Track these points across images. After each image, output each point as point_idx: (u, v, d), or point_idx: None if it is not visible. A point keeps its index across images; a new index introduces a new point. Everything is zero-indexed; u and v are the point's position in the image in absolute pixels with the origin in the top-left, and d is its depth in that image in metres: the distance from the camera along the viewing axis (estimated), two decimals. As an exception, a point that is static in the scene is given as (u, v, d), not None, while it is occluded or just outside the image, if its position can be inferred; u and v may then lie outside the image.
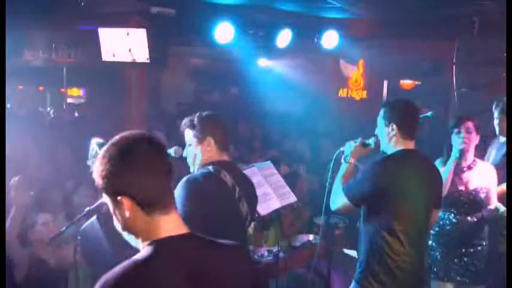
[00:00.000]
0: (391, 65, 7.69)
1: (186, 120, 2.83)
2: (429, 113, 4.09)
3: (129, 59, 5.67)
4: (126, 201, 1.49)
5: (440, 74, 7.32)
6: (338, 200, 3.10)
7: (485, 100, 4.43)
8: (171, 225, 1.54)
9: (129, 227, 1.55)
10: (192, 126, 2.79)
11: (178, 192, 2.56)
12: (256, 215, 3.22)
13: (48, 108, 10.37)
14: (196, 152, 2.78)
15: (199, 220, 2.43)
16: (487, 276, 3.73)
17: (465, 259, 3.70)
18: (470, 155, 3.80)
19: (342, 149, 3.34)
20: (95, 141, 2.53)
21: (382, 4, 5.95)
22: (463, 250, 3.71)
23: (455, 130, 3.78)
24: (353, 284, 3.10)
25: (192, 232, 1.60)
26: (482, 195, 3.72)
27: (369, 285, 3.00)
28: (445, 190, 3.63)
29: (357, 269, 3.10)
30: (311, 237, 4.97)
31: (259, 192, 3.00)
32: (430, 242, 3.87)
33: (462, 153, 3.74)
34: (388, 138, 3.06)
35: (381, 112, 3.12)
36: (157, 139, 1.58)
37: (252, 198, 2.84)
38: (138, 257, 1.49)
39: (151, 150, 1.52)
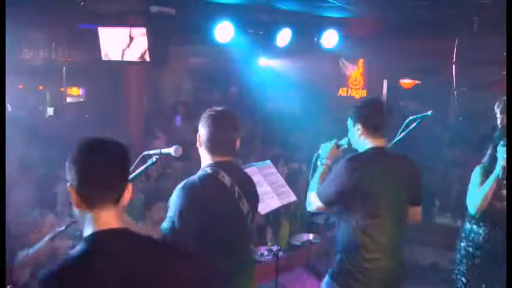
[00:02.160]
0: (390, 64, 7.69)
1: (204, 113, 2.75)
2: (429, 112, 4.09)
3: (129, 58, 5.66)
4: (71, 190, 1.69)
5: (440, 73, 7.32)
6: (312, 201, 3.16)
7: (484, 99, 4.43)
8: (106, 220, 1.68)
9: (78, 215, 1.73)
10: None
11: (175, 199, 2.54)
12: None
13: (48, 109, 10.37)
14: (200, 153, 2.77)
15: (198, 226, 2.48)
16: None
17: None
18: None
19: (319, 151, 3.39)
20: None
21: (382, 3, 5.95)
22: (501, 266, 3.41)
23: (502, 142, 3.52)
24: (327, 279, 3.11)
25: (126, 227, 1.72)
26: None
27: (344, 282, 3.02)
28: (484, 204, 3.53)
29: (334, 266, 3.12)
30: (311, 236, 4.98)
31: (259, 191, 2.99)
32: (461, 254, 3.71)
33: (504, 170, 3.47)
34: (357, 137, 3.12)
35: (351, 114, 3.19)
36: (117, 146, 1.74)
37: (252, 196, 2.81)
38: (73, 252, 1.63)
39: (101, 153, 1.69)
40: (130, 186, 1.77)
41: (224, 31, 5.71)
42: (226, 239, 2.58)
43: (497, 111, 4.12)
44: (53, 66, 8.44)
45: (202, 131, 2.70)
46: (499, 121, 4.13)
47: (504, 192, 3.54)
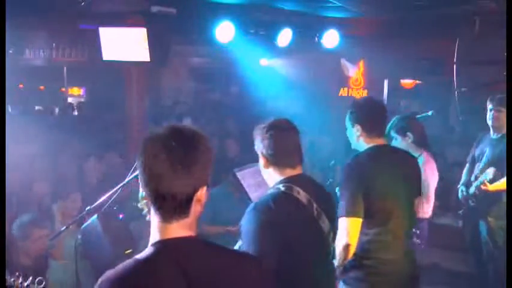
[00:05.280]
0: (391, 64, 7.69)
1: (256, 130, 2.54)
2: (429, 112, 4.10)
3: (129, 59, 5.67)
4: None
5: (441, 73, 7.32)
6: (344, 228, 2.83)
7: (485, 99, 4.43)
8: (176, 227, 1.56)
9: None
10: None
11: (246, 223, 2.30)
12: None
13: (53, 108, 10.38)
14: (265, 174, 2.53)
15: (275, 250, 2.22)
16: None
17: None
18: None
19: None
20: None
21: (383, 3, 5.96)
22: None
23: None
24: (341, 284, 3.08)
25: (197, 236, 1.60)
26: None
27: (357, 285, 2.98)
28: None
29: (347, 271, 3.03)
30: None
31: (263, 190, 2.76)
32: None
33: None
34: (356, 138, 3.05)
35: (348, 114, 3.10)
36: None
37: (332, 211, 2.54)
38: (139, 256, 1.54)
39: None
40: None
41: (225, 31, 5.71)
42: (307, 263, 2.35)
43: (490, 104, 4.11)
44: (53, 66, 8.45)
45: (267, 146, 2.48)
46: (490, 116, 4.12)
47: None
